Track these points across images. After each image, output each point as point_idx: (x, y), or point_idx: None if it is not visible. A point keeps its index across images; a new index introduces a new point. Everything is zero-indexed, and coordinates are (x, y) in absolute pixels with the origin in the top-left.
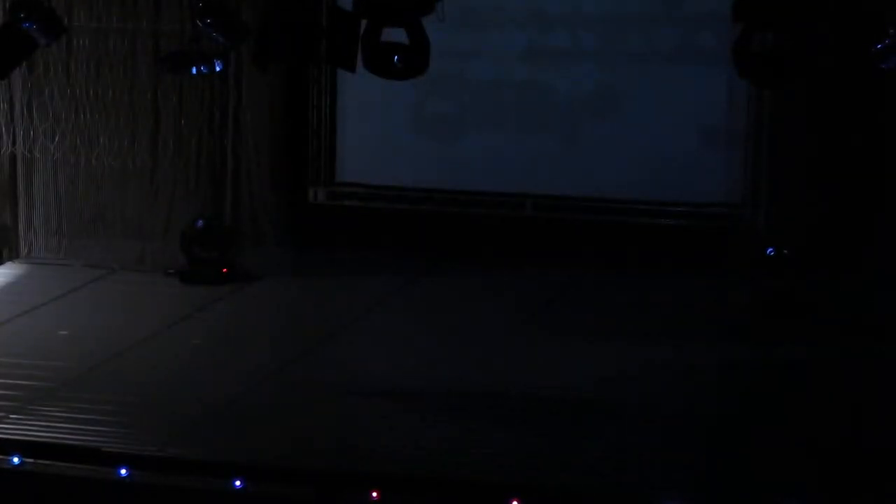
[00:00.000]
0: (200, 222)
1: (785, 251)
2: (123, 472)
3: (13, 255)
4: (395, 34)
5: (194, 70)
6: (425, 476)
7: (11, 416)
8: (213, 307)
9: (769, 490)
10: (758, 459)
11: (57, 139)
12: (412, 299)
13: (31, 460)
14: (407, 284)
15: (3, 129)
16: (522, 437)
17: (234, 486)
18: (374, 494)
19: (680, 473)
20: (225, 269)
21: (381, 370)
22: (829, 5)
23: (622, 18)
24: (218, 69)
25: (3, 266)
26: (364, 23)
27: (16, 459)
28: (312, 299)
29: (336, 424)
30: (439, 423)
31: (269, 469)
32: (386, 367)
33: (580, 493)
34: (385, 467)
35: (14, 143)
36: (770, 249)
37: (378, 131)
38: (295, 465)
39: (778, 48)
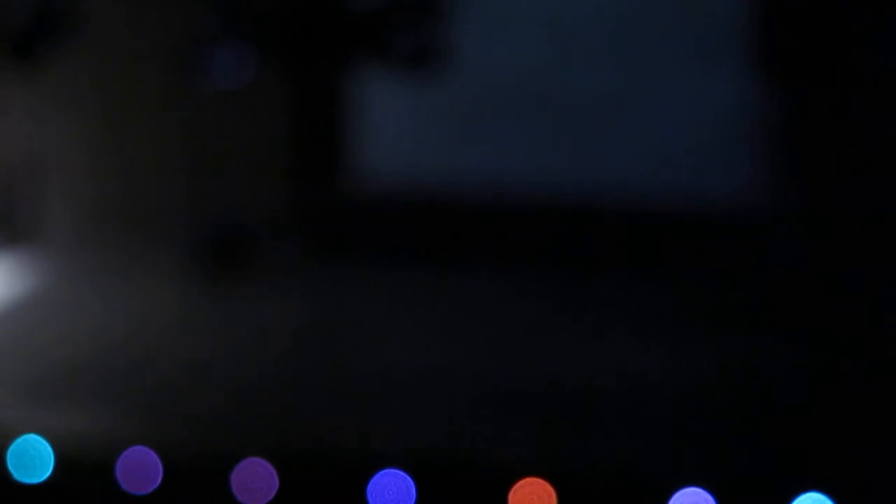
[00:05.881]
0: (219, 220)
1: (798, 250)
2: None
3: (31, 249)
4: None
5: (212, 69)
6: (451, 461)
7: (32, 411)
8: (233, 304)
9: (787, 480)
10: (774, 451)
11: (75, 138)
12: (431, 295)
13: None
14: (425, 280)
15: (25, 127)
16: (542, 427)
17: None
18: (407, 478)
19: (695, 463)
20: (244, 267)
21: (405, 363)
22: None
23: (637, 17)
24: (233, 72)
25: (20, 261)
26: (376, 24)
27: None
28: (331, 296)
29: (362, 414)
30: (466, 413)
31: (298, 457)
32: (409, 360)
33: (599, 478)
34: (412, 454)
35: (33, 142)
36: (782, 248)
37: (395, 131)
38: (325, 453)
39: (805, 47)
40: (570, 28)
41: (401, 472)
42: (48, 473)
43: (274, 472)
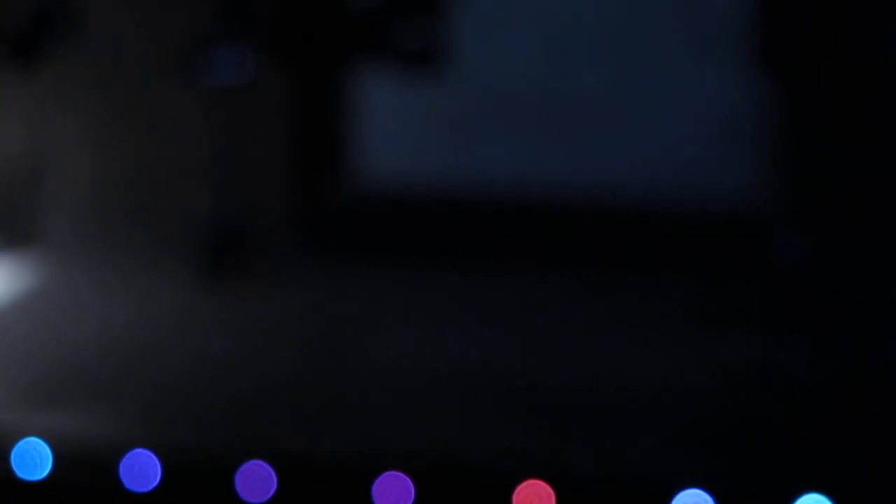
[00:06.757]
0: (219, 220)
1: (798, 249)
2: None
3: (31, 249)
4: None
5: (212, 68)
6: (453, 463)
7: (31, 413)
8: (233, 304)
9: (787, 481)
10: (774, 453)
11: (75, 138)
12: (431, 295)
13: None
14: (425, 280)
15: (25, 126)
16: (542, 429)
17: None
18: (406, 480)
19: (696, 465)
20: (244, 267)
21: (406, 364)
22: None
23: (637, 17)
24: (233, 71)
25: (20, 261)
26: (376, 22)
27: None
28: (331, 296)
29: (362, 416)
30: (467, 415)
31: (298, 459)
32: (410, 361)
33: (599, 480)
34: (413, 456)
35: (33, 142)
36: (785, 248)
37: (395, 130)
38: (325, 455)
39: (805, 46)
40: (569, 28)
41: (401, 475)
42: (45, 474)
43: (273, 475)
